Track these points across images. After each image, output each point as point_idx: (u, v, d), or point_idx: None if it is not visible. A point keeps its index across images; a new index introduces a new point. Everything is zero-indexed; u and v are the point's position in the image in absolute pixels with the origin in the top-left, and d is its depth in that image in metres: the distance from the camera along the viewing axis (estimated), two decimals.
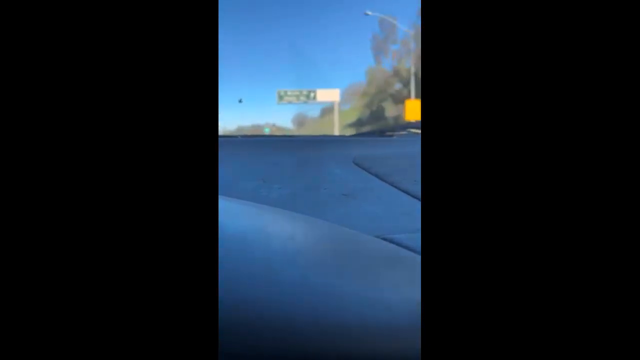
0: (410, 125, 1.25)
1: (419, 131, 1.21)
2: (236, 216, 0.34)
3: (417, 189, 0.72)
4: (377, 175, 0.80)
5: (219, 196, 0.28)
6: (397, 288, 0.25)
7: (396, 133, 1.27)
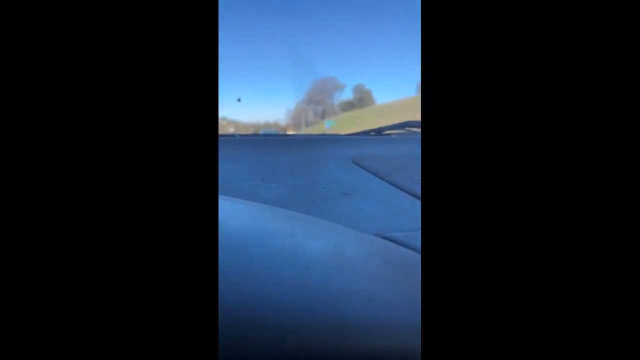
0: (409, 123, 1.25)
1: (418, 130, 1.21)
2: (235, 215, 0.34)
3: (417, 188, 0.72)
4: (376, 174, 0.80)
5: (218, 195, 0.27)
6: (396, 286, 0.25)
7: (394, 131, 1.26)
